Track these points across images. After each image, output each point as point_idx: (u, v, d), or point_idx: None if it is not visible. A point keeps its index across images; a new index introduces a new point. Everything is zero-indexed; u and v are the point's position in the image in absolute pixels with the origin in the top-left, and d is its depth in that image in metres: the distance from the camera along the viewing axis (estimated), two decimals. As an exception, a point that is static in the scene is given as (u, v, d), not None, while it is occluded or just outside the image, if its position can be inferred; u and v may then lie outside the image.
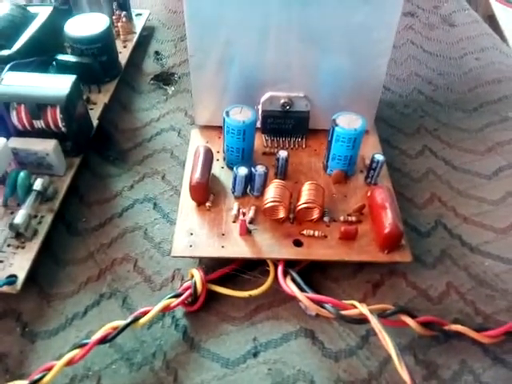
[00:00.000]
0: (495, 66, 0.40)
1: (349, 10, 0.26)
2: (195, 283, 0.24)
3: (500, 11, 0.48)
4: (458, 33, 0.43)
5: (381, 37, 0.27)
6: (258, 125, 0.31)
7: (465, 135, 0.34)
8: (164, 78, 0.38)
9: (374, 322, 0.22)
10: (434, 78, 0.38)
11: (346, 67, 0.29)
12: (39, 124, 0.28)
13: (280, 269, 0.25)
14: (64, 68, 0.32)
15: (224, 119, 0.28)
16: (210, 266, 0.26)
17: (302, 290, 0.24)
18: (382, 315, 0.23)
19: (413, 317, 0.23)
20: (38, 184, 0.26)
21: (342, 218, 0.27)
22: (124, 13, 0.39)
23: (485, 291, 0.25)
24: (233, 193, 0.28)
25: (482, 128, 0.34)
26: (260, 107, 0.31)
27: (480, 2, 0.56)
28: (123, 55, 0.38)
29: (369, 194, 0.27)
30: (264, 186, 0.27)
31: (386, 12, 0.26)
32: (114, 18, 0.39)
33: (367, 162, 0.29)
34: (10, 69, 0.29)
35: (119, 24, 0.39)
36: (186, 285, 0.24)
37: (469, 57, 0.41)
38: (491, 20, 0.53)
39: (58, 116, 0.27)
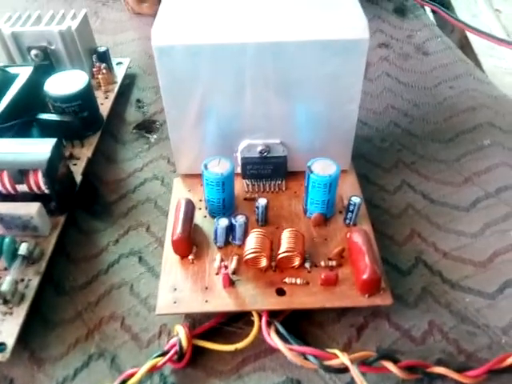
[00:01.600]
0: (469, 93, 0.41)
1: (318, 62, 0.27)
2: (180, 340, 0.24)
3: (472, 35, 0.49)
4: (432, 61, 0.44)
5: (349, 84, 0.28)
6: (238, 171, 0.31)
7: (442, 167, 0.35)
8: (146, 126, 0.39)
9: (355, 373, 0.22)
10: (409, 110, 0.39)
11: (319, 114, 0.30)
12: (22, 188, 0.29)
13: (264, 320, 0.25)
14: (46, 127, 0.33)
15: (203, 172, 0.28)
16: (196, 318, 0.26)
17: (286, 340, 0.24)
18: (364, 362, 0.23)
19: (395, 361, 0.23)
20: (23, 249, 0.27)
21: (322, 263, 0.27)
22: (104, 65, 0.40)
23: (466, 328, 0.26)
24: (215, 243, 0.28)
25: (459, 158, 0.35)
26: (239, 155, 0.31)
27: (455, 28, 0.57)
28: (105, 106, 0.39)
29: (348, 235, 0.28)
30: (245, 235, 0.28)
31: (352, 62, 0.27)
32: (94, 70, 0.40)
33: (346, 202, 0.30)
34: (-8, 135, 0.30)
35: (100, 76, 0.40)
36: (171, 342, 0.25)
37: (443, 85, 0.41)
38: (467, 41, 0.54)
39: (41, 179, 0.28)
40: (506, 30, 0.50)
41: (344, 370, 0.23)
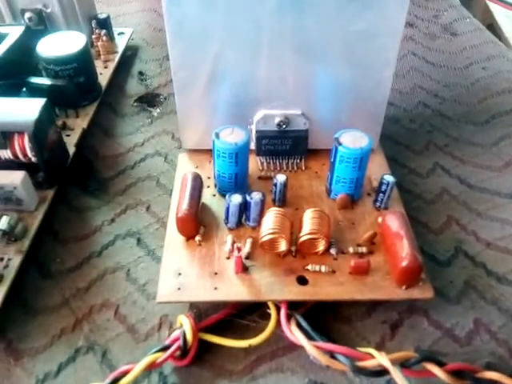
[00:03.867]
0: (503, 74, 0.37)
1: (348, 17, 0.24)
2: (184, 333, 0.20)
3: (502, 18, 0.46)
4: (461, 42, 0.41)
5: (385, 45, 0.25)
6: (252, 146, 0.28)
7: (478, 150, 0.31)
8: (149, 100, 0.35)
9: (398, 377, 0.18)
10: (439, 90, 0.36)
11: (346, 80, 0.26)
12: (6, 154, 0.25)
13: (283, 312, 0.21)
14: (37, 92, 0.29)
15: (213, 142, 0.25)
16: (203, 309, 0.23)
17: (309, 336, 0.20)
18: (404, 365, 0.19)
19: (440, 364, 0.20)
20: (3, 223, 0.23)
21: (351, 250, 0.23)
22: (104, 31, 0.36)
23: (518, 328, 0.22)
24: (226, 224, 0.25)
25: (497, 142, 0.32)
26: (253, 127, 0.28)
27: (477, 12, 0.53)
28: (104, 76, 0.35)
29: (380, 220, 0.24)
30: (261, 215, 0.24)
31: (390, 18, 0.24)
32: (93, 37, 0.37)
33: (375, 183, 0.26)
34: (-26, 94, 0.26)
35: (99, 43, 0.36)
36: (174, 335, 0.21)
37: (475, 66, 0.38)
38: (490, 29, 0.51)
39: (27, 144, 0.24)
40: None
41: (380, 372, 0.19)
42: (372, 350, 0.19)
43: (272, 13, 0.24)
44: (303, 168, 0.28)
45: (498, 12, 0.46)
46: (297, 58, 0.25)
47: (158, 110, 0.34)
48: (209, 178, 0.27)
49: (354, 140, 0.24)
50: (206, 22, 0.24)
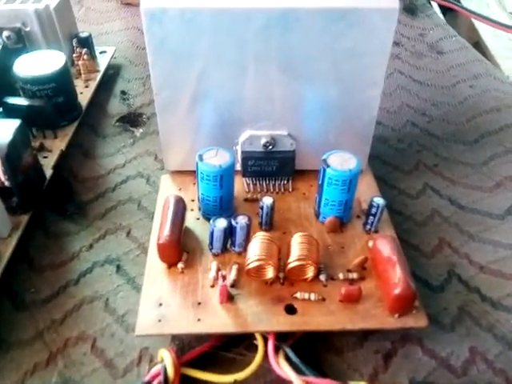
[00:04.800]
0: (491, 93, 0.37)
1: (334, 35, 0.23)
2: (165, 369, 0.19)
3: (488, 36, 0.46)
4: (448, 60, 0.41)
5: (372, 64, 0.24)
6: (238, 168, 0.27)
7: (468, 170, 0.30)
8: (131, 120, 0.34)
9: (393, 415, 0.17)
10: (427, 109, 0.35)
11: (334, 100, 0.25)
12: (-23, 178, 0.24)
13: (271, 344, 0.20)
14: (13, 112, 0.28)
15: (197, 164, 0.24)
16: (186, 341, 0.21)
17: (298, 369, 0.19)
18: (399, 400, 0.18)
19: (437, 398, 0.19)
20: (-28, 251, 0.22)
21: (341, 276, 0.22)
22: (85, 50, 0.35)
23: (516, 356, 0.21)
24: (210, 250, 0.23)
25: (487, 161, 0.31)
26: (239, 148, 0.27)
27: (463, 30, 0.54)
28: (85, 96, 0.34)
29: (370, 244, 0.23)
30: (247, 240, 0.23)
31: (377, 36, 0.23)
32: (74, 56, 0.36)
33: (364, 205, 0.26)
34: None
35: (80, 62, 0.35)
36: (154, 371, 0.19)
37: (462, 85, 0.38)
38: (476, 47, 0.51)
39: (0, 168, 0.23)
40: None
41: (374, 409, 0.18)
42: (365, 385, 0.18)
43: (257, 31, 0.23)
44: (290, 189, 0.27)
45: (484, 30, 0.46)
46: (283, 78, 0.25)
47: (141, 130, 0.33)
48: (193, 200, 0.26)
49: (342, 162, 0.24)
50: (189, 40, 0.23)
